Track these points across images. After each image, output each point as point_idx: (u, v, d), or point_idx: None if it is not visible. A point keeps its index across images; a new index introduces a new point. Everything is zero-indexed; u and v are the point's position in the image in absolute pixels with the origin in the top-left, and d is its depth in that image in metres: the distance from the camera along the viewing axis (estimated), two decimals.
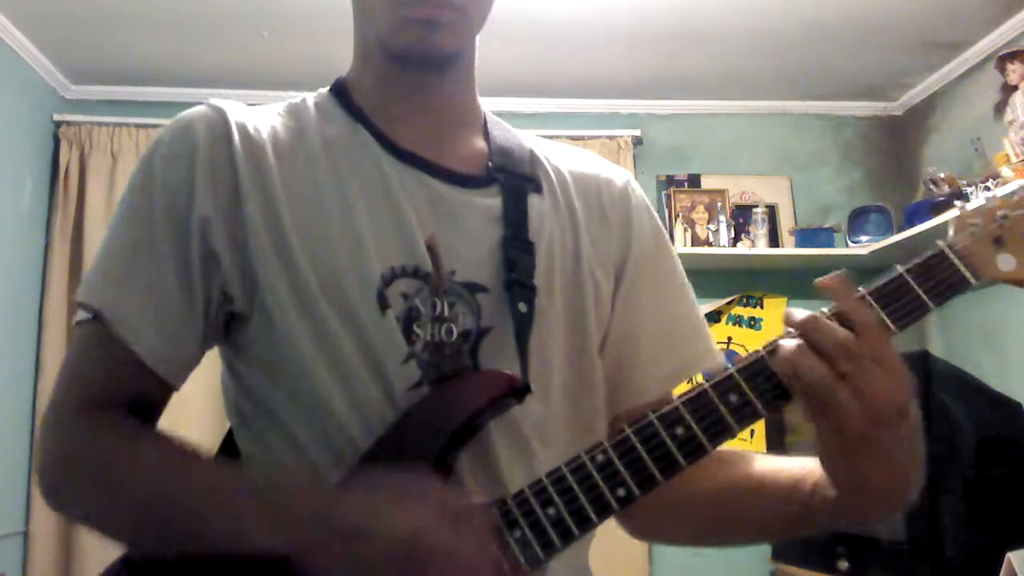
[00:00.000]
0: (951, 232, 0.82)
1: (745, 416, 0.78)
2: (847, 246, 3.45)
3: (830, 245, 3.45)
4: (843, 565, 2.63)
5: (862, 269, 3.53)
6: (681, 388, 0.86)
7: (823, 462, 0.82)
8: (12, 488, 3.11)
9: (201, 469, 0.82)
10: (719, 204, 3.52)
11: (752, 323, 3.55)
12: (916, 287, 0.79)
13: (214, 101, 0.91)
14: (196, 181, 0.85)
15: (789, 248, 3.49)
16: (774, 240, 3.52)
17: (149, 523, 0.81)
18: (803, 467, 0.87)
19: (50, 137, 3.40)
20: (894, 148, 3.72)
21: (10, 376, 3.10)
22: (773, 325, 3.54)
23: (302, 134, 0.91)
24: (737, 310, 3.56)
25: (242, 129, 0.88)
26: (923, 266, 0.81)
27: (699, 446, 0.78)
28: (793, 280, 3.55)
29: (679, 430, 0.78)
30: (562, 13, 2.94)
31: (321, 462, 0.83)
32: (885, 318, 0.78)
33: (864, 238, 3.43)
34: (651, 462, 0.78)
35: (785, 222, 3.59)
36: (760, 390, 0.78)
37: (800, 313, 0.77)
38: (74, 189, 3.34)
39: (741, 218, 3.54)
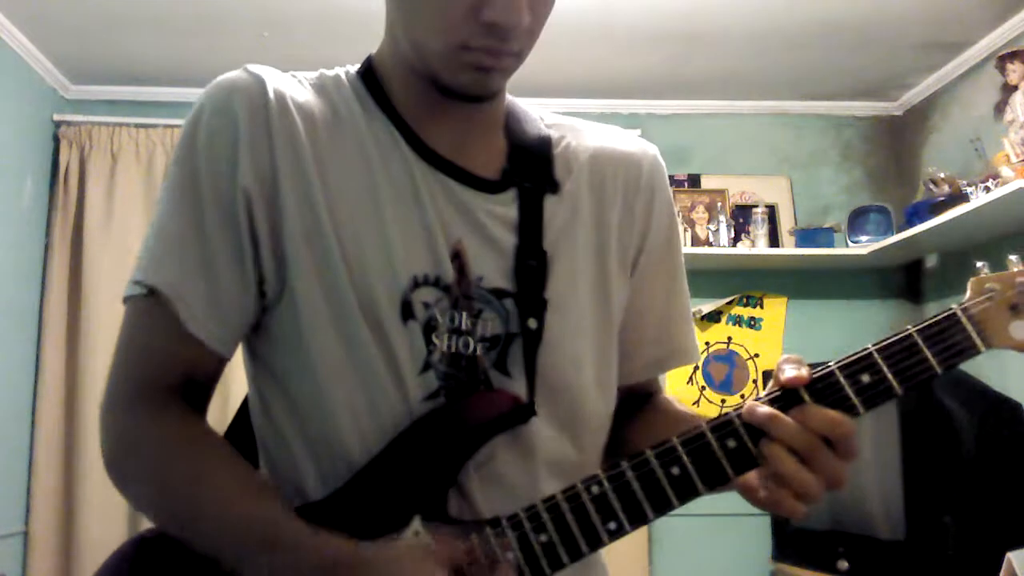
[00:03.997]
0: (968, 294, 0.81)
1: (742, 462, 0.79)
2: (847, 246, 3.45)
3: (830, 245, 3.45)
4: (843, 565, 2.63)
5: (862, 269, 3.53)
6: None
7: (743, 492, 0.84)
8: (12, 488, 3.11)
9: (231, 507, 0.81)
10: (719, 204, 3.52)
11: (752, 323, 3.55)
12: (925, 349, 0.78)
13: (252, 68, 0.89)
14: (239, 156, 0.84)
15: (789, 248, 3.49)
16: (774, 240, 3.52)
17: (187, 540, 0.83)
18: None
19: (50, 137, 3.40)
20: (894, 148, 3.72)
21: (10, 376, 3.10)
22: (773, 325, 3.54)
23: (336, 116, 0.89)
24: (737, 310, 3.56)
25: (280, 102, 0.86)
26: (934, 327, 0.79)
27: (693, 487, 0.79)
28: (793, 280, 3.55)
29: (675, 470, 0.79)
30: (562, 13, 2.93)
31: (332, 459, 0.84)
32: (891, 380, 0.78)
33: (864, 238, 3.43)
34: (644, 498, 0.79)
35: (785, 222, 3.59)
36: (755, 437, 0.79)
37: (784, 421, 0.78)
38: (74, 189, 3.34)
39: (741, 218, 3.54)
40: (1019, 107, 2.76)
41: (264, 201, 0.84)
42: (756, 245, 3.43)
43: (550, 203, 0.91)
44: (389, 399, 0.83)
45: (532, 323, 0.86)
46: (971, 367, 2.84)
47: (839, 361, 0.78)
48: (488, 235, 0.88)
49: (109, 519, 3.14)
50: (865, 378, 0.77)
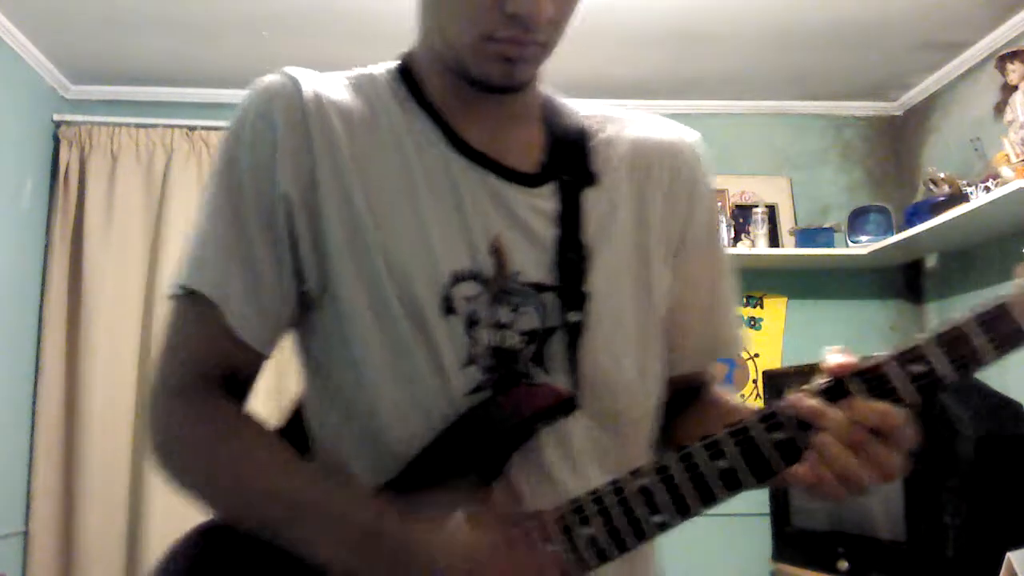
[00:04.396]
0: (1015, 280, 0.80)
1: (790, 454, 0.77)
2: (847, 246, 3.45)
3: (830, 245, 3.45)
4: (843, 565, 2.63)
5: (862, 269, 3.53)
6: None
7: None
8: (12, 488, 3.11)
9: (277, 480, 0.84)
10: (719, 204, 3.52)
11: (752, 323, 3.55)
12: (977, 337, 0.75)
13: (290, 70, 0.91)
14: (278, 162, 0.86)
15: (789, 248, 3.49)
16: (774, 240, 3.52)
17: (234, 519, 0.86)
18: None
19: (50, 137, 3.40)
20: (894, 148, 3.72)
21: (10, 376, 3.10)
22: (773, 325, 3.54)
23: (373, 115, 0.90)
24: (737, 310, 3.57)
25: (318, 105, 0.88)
26: (985, 315, 0.76)
27: (740, 479, 0.78)
28: (793, 280, 3.55)
29: (722, 462, 0.77)
30: None
31: (379, 453, 0.85)
32: (943, 369, 0.75)
33: (864, 238, 3.43)
34: (691, 491, 0.78)
35: (785, 222, 3.59)
36: (804, 431, 0.77)
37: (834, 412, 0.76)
38: (74, 189, 3.34)
39: (741, 218, 3.54)
40: (1019, 107, 2.76)
41: (304, 205, 0.86)
42: (756, 245, 3.43)
43: (589, 195, 0.91)
44: (433, 394, 0.84)
45: (573, 316, 0.86)
46: None
47: (890, 352, 0.77)
48: (527, 229, 0.88)
49: (109, 519, 3.14)
50: (916, 368, 0.76)
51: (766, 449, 0.77)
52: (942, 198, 3.00)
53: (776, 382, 3.22)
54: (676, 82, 3.50)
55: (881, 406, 0.75)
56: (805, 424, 0.76)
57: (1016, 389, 2.63)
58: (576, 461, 0.86)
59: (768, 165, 3.67)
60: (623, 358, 0.89)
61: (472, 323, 0.85)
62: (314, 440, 0.92)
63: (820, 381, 0.78)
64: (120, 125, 3.41)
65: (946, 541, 2.30)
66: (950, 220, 2.85)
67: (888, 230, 3.39)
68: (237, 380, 0.90)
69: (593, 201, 0.91)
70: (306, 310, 0.90)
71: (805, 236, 3.47)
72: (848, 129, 3.74)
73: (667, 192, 0.95)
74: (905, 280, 3.59)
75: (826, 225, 3.52)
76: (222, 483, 0.86)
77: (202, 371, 0.88)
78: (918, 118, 3.59)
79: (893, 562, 2.47)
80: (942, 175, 3.07)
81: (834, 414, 0.75)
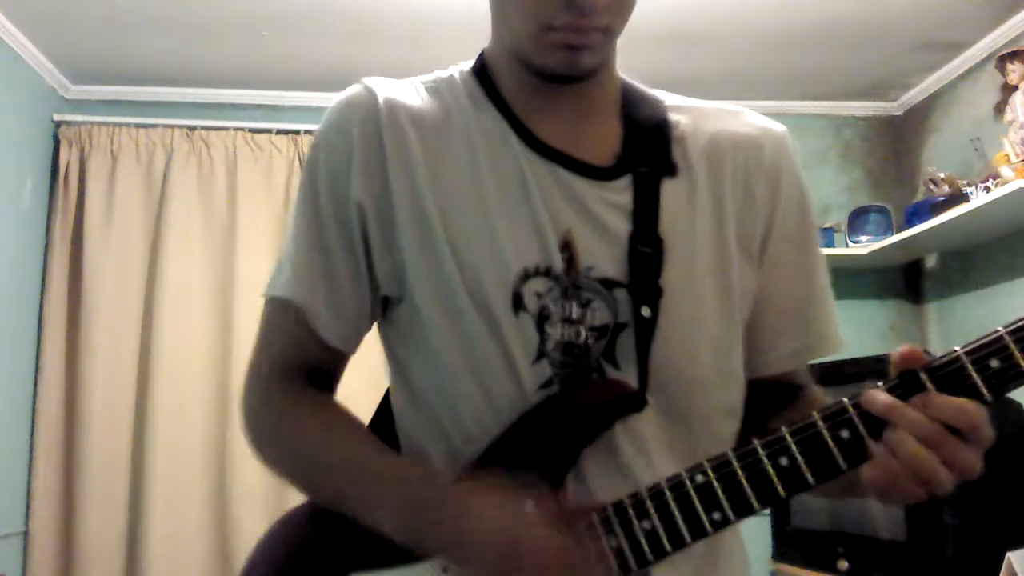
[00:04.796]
0: None
1: (855, 454, 0.75)
2: (847, 246, 3.44)
3: (830, 245, 3.44)
4: (843, 565, 2.63)
5: (862, 269, 3.53)
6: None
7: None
8: (12, 488, 3.11)
9: (350, 450, 0.90)
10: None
11: None
12: None
13: (368, 81, 0.94)
14: (352, 169, 0.90)
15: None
16: None
17: (314, 489, 0.93)
18: None
19: (50, 137, 3.40)
20: (894, 148, 3.72)
21: (10, 376, 3.10)
22: None
23: (447, 117, 0.92)
24: None
25: (392, 114, 0.90)
26: None
27: (802, 479, 0.76)
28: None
29: (783, 460, 0.76)
30: None
31: (454, 446, 0.87)
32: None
33: (864, 238, 3.43)
34: (750, 489, 0.77)
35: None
36: (872, 428, 0.75)
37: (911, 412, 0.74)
38: (74, 189, 3.33)
39: None
40: (1019, 107, 2.76)
41: (377, 212, 0.89)
42: None
43: (667, 188, 0.90)
44: (505, 389, 0.85)
45: (646, 311, 0.85)
46: None
47: (965, 346, 0.74)
48: (600, 223, 0.87)
49: (109, 519, 3.14)
50: (994, 363, 0.73)
51: (830, 448, 0.75)
52: (942, 198, 3.00)
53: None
54: (676, 82, 3.48)
55: (959, 402, 0.73)
56: (873, 422, 0.74)
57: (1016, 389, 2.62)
58: (650, 457, 0.86)
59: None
60: (699, 355, 0.88)
61: (543, 319, 0.85)
62: (399, 431, 0.95)
63: (891, 376, 0.75)
64: (120, 125, 3.41)
65: (946, 541, 2.30)
66: (950, 220, 2.85)
67: (888, 230, 3.39)
68: (321, 372, 0.97)
69: (670, 194, 0.90)
70: (388, 310, 0.94)
71: None
72: (848, 129, 3.74)
73: (745, 187, 0.93)
74: (905, 280, 3.59)
75: (826, 225, 3.52)
76: (301, 455, 0.93)
77: (289, 365, 0.96)
78: (918, 118, 3.59)
79: (893, 562, 2.47)
80: (942, 175, 3.07)
81: (910, 410, 0.73)
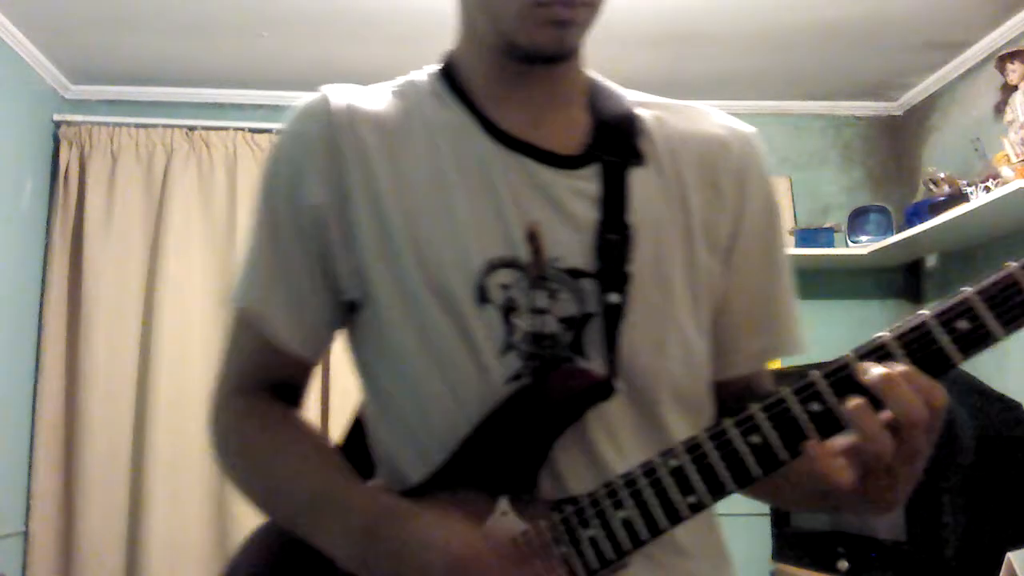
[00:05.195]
0: None
1: (828, 426, 0.74)
2: (847, 246, 3.45)
3: (830, 245, 3.45)
4: (843, 565, 2.63)
5: (862, 269, 3.53)
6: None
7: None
8: (12, 488, 3.11)
9: (298, 473, 0.90)
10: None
11: None
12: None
13: (326, 89, 0.94)
14: (306, 173, 0.90)
15: (789, 248, 3.48)
16: None
17: (270, 511, 0.93)
18: None
19: (50, 137, 3.40)
20: (894, 148, 3.72)
21: (10, 376, 3.10)
22: None
23: (408, 117, 0.92)
24: None
25: (349, 118, 0.90)
26: None
27: (775, 455, 0.75)
28: (793, 280, 3.55)
29: (755, 438, 0.75)
30: None
31: (425, 447, 0.86)
32: (993, 324, 0.72)
33: (864, 238, 3.43)
34: (724, 470, 0.76)
35: (785, 222, 3.59)
36: (843, 399, 0.73)
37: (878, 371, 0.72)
38: (74, 189, 3.33)
39: None
40: (1019, 107, 2.76)
41: (335, 217, 0.89)
42: None
43: (635, 177, 0.89)
44: (473, 383, 0.84)
45: (614, 297, 0.84)
46: (971, 366, 2.83)
47: (932, 310, 0.72)
48: (566, 212, 0.87)
49: (109, 519, 3.14)
50: (963, 324, 0.72)
51: (802, 421, 0.74)
52: (942, 198, 3.00)
53: (776, 382, 3.21)
54: (676, 82, 3.49)
55: (931, 381, 0.72)
56: (844, 392, 0.73)
57: (1016, 389, 2.63)
58: (621, 447, 0.85)
59: (768, 165, 3.67)
60: (667, 344, 0.87)
61: (509, 310, 0.85)
62: (370, 435, 0.95)
63: (864, 345, 0.74)
64: (120, 125, 3.41)
65: (946, 541, 2.30)
66: (950, 220, 2.85)
67: (888, 230, 3.39)
68: (286, 384, 0.97)
69: (638, 183, 0.89)
70: (352, 315, 0.92)
71: (805, 236, 3.47)
72: (848, 129, 3.74)
73: (711, 179, 0.93)
74: (905, 280, 3.59)
75: (826, 225, 3.52)
76: (255, 476, 0.93)
77: (252, 378, 0.96)
78: (918, 118, 3.59)
79: (893, 562, 2.47)
80: (942, 175, 3.07)
81: (904, 386, 0.71)
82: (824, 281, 3.55)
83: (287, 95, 3.54)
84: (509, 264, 0.85)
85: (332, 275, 0.91)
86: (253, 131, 3.43)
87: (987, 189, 2.73)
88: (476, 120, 0.90)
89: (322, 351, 0.96)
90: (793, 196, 3.65)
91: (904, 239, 3.15)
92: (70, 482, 3.17)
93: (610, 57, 3.25)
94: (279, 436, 0.93)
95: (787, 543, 2.97)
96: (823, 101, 3.67)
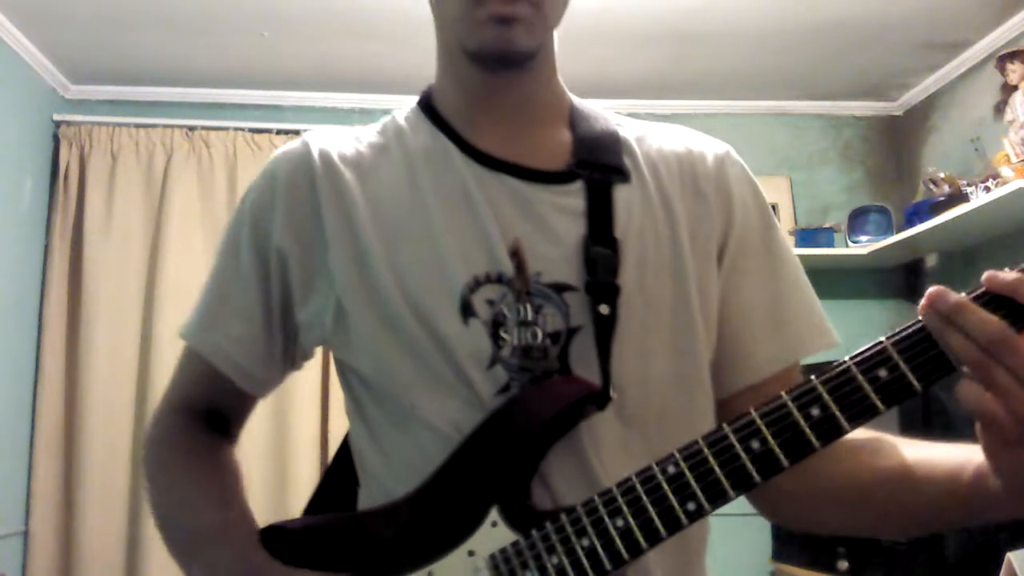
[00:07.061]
0: None
1: (830, 431, 0.73)
2: (847, 246, 3.45)
3: (830, 245, 3.45)
4: (843, 565, 2.63)
5: (862, 269, 3.53)
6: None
7: (986, 453, 0.73)
8: (12, 488, 3.11)
9: (184, 507, 0.95)
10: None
11: None
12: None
13: (306, 135, 0.97)
14: (275, 215, 0.93)
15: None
16: None
17: (163, 536, 0.96)
18: (959, 455, 0.79)
19: (50, 137, 3.40)
20: (894, 148, 3.72)
21: (10, 376, 3.10)
22: None
23: (386, 152, 0.94)
24: None
25: (326, 161, 0.93)
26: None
27: (775, 461, 0.74)
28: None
29: (754, 444, 0.74)
30: None
31: (413, 460, 0.86)
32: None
33: (864, 238, 3.43)
34: (723, 476, 0.75)
35: (785, 222, 3.59)
36: (844, 404, 0.72)
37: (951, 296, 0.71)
38: (74, 189, 3.33)
39: None
40: (1019, 107, 2.77)
41: (300, 259, 0.91)
42: None
43: (619, 192, 0.90)
44: (460, 399, 0.85)
45: (604, 309, 0.85)
46: None
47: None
48: (550, 228, 0.88)
49: (109, 519, 3.14)
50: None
51: (802, 427, 0.73)
52: (942, 198, 3.00)
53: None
54: (676, 82, 3.50)
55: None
56: (843, 398, 0.72)
57: None
58: (611, 458, 0.85)
59: (768, 165, 3.67)
60: (656, 355, 0.87)
61: (497, 324, 0.85)
62: (355, 453, 0.96)
63: (859, 352, 0.73)
64: (120, 125, 3.41)
65: (946, 541, 2.30)
66: (950, 220, 2.85)
67: (888, 230, 3.39)
68: (219, 414, 1.01)
69: (623, 197, 0.90)
70: (335, 350, 0.94)
71: (805, 236, 3.47)
72: (848, 129, 3.74)
73: (693, 188, 0.93)
74: (905, 280, 3.59)
75: (826, 225, 3.52)
76: (160, 508, 0.97)
77: (195, 400, 1.00)
78: (918, 118, 3.59)
79: (893, 562, 2.47)
80: (942, 175, 3.07)
81: (980, 311, 0.70)
82: (824, 281, 3.51)
83: (287, 95, 3.55)
84: (495, 280, 0.86)
85: (289, 316, 0.94)
86: (253, 131, 3.43)
87: (987, 189, 2.74)
88: (455, 143, 0.92)
89: (269, 388, 0.99)
90: (793, 196, 3.65)
91: (904, 239, 3.15)
92: (70, 482, 3.17)
93: (611, 57, 3.26)
94: (186, 470, 0.96)
95: (787, 543, 2.97)
96: (823, 101, 3.68)
